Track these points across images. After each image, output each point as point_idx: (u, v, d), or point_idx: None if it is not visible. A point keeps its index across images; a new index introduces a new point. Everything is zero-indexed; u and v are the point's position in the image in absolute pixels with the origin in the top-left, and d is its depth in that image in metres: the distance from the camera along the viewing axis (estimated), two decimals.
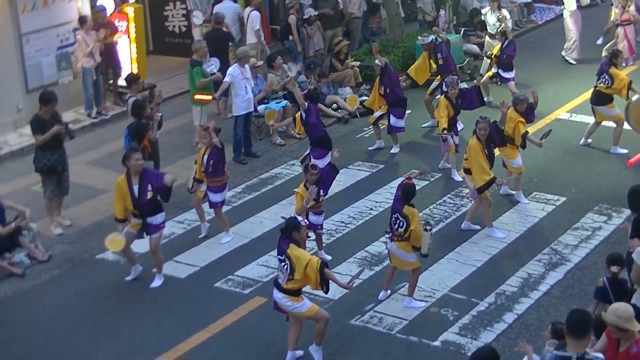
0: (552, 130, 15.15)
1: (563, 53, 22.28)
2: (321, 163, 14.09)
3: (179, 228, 14.39)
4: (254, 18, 19.85)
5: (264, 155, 17.11)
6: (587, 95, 17.67)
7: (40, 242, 13.66)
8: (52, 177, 14.05)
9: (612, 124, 16.71)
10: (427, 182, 15.54)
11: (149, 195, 12.33)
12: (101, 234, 14.04)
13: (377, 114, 17.08)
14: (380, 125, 17.23)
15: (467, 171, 13.82)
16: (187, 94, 18.03)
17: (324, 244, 13.31)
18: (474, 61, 21.42)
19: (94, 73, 18.30)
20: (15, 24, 17.63)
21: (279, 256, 10.49)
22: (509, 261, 13.12)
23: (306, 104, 14.93)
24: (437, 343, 11.18)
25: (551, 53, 22.73)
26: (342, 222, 14.40)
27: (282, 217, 11.05)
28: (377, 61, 17.00)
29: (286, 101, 17.90)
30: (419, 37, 19.51)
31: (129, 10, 19.36)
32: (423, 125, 18.27)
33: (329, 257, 12.99)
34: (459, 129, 16.21)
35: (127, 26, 19.32)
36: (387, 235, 11.87)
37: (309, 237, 12.12)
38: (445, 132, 15.36)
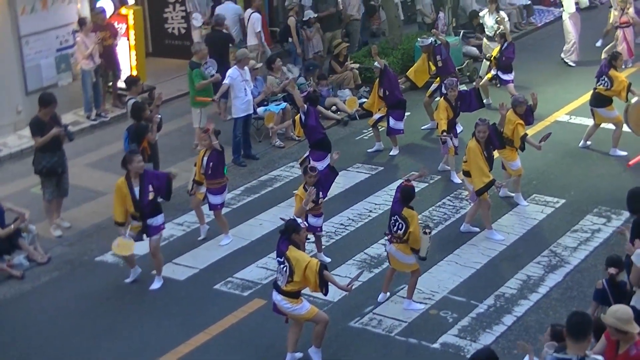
0: (552, 133, 15.17)
1: (562, 55, 22.29)
2: (320, 165, 14.08)
3: (178, 230, 14.39)
4: (255, 20, 19.87)
5: (263, 158, 17.11)
6: (586, 97, 17.68)
7: (40, 244, 13.66)
8: (51, 179, 14.05)
9: (611, 126, 16.72)
10: (427, 184, 15.54)
11: (151, 196, 12.35)
12: (100, 236, 14.09)
13: (376, 116, 17.09)
14: (379, 127, 17.23)
15: (467, 173, 13.82)
16: (187, 96, 18.05)
17: (323, 246, 13.31)
18: (473, 63, 21.44)
19: (93, 75, 18.31)
20: (15, 25, 17.64)
21: (278, 258, 10.49)
22: (508, 263, 13.12)
23: (305, 106, 14.94)
24: (436, 345, 11.18)
25: (550, 55, 22.74)
26: (342, 224, 14.41)
27: (282, 219, 11.04)
28: (376, 63, 17.00)
29: (285, 103, 17.90)
30: (418, 39, 19.52)
31: (129, 13, 19.35)
32: (422, 128, 18.28)
33: (328, 259, 13.00)
34: (458, 131, 16.22)
35: (127, 28, 19.32)
36: (386, 238, 11.87)
37: (309, 239, 12.12)
38: (445, 134, 15.37)
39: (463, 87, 17.84)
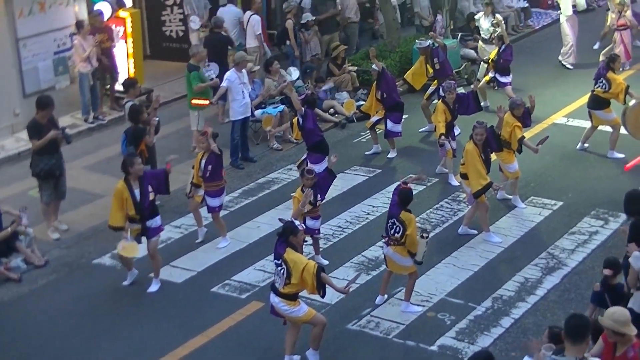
0: (549, 136, 15.18)
1: (560, 58, 22.31)
2: (318, 168, 14.08)
3: (176, 233, 14.38)
4: (254, 22, 19.88)
5: (261, 160, 17.11)
6: (584, 100, 17.70)
7: (37, 247, 13.64)
8: (49, 182, 14.04)
9: (608, 129, 16.73)
10: (424, 186, 15.54)
11: (151, 197, 12.42)
12: (98, 238, 14.09)
13: (374, 118, 17.09)
14: (377, 129, 17.23)
15: (464, 176, 13.82)
16: (185, 99, 18.03)
17: (321, 249, 13.31)
18: (471, 66, 21.45)
19: (91, 78, 18.29)
20: (12, 28, 17.64)
21: (276, 260, 10.48)
22: (506, 265, 13.12)
23: (303, 109, 14.94)
24: (434, 347, 11.18)
25: (548, 58, 22.76)
26: (339, 226, 14.40)
27: (280, 220, 11.04)
28: (374, 66, 17.01)
29: (283, 106, 17.90)
30: (416, 41, 19.54)
31: (126, 15, 19.35)
32: (420, 130, 18.28)
33: (326, 262, 12.99)
34: (456, 134, 16.22)
35: (124, 31, 19.31)
36: (383, 240, 11.87)
37: (306, 241, 12.12)
38: (443, 137, 15.36)
39: (461, 90, 17.84)
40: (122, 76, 18.86)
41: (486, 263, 13.15)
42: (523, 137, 14.60)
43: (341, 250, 13.63)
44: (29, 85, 18.07)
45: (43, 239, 14.02)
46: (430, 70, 18.44)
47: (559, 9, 22.66)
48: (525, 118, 14.88)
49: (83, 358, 11.29)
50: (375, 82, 17.04)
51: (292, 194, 13.11)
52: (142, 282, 12.85)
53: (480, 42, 21.29)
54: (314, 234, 12.93)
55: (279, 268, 10.39)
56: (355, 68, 20.19)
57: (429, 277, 12.71)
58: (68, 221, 14.62)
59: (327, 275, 10.51)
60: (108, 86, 19.38)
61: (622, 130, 16.32)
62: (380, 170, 16.53)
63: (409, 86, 19.40)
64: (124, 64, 19.39)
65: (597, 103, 16.60)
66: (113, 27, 19.17)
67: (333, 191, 14.47)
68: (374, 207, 15.00)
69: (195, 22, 20.43)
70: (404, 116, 17.28)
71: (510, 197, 14.93)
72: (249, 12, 20.10)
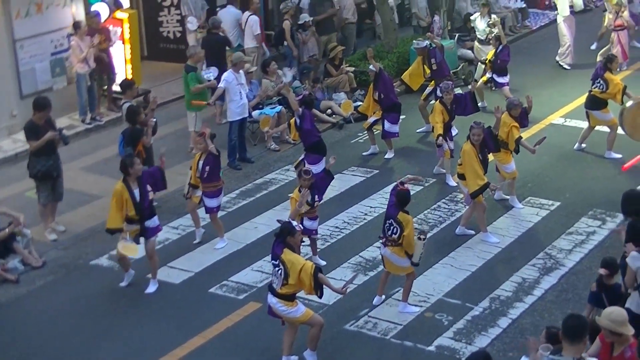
0: (547, 136, 15.20)
1: (557, 58, 22.33)
2: (316, 168, 14.07)
3: (173, 234, 14.37)
4: (252, 22, 19.88)
5: (258, 161, 17.11)
6: (581, 100, 17.71)
7: (35, 248, 13.63)
8: (46, 183, 14.03)
9: (606, 129, 16.74)
10: (422, 187, 15.55)
11: (150, 196, 12.46)
12: (95, 239, 14.08)
13: (371, 119, 17.09)
14: (374, 130, 17.22)
15: (461, 176, 13.83)
16: (182, 100, 18.04)
17: (318, 249, 13.31)
18: (468, 66, 21.46)
19: (88, 79, 18.29)
20: (9, 29, 17.63)
21: (273, 261, 10.48)
22: (503, 266, 13.13)
23: (300, 109, 14.94)
24: (431, 348, 11.18)
25: (545, 58, 22.77)
26: (337, 227, 14.40)
27: (278, 221, 11.04)
28: (371, 66, 17.01)
29: (281, 107, 17.89)
30: (413, 42, 19.54)
31: (124, 16, 19.35)
32: (417, 131, 18.28)
33: (323, 263, 13.00)
34: (453, 134, 16.23)
35: (122, 32, 19.31)
36: (380, 241, 11.87)
37: (303, 242, 12.12)
38: (441, 138, 15.36)
39: (458, 91, 17.84)
40: (120, 77, 18.87)
41: (484, 263, 13.16)
42: (520, 137, 14.60)
43: (339, 251, 13.63)
44: (26, 86, 18.05)
45: (40, 240, 14.02)
46: (428, 71, 18.44)
47: (556, 9, 22.67)
48: (523, 118, 14.88)
49: (82, 359, 11.29)
50: (372, 82, 17.04)
51: (289, 195, 13.11)
52: (140, 283, 12.85)
53: (476, 43, 21.29)
54: (311, 235, 12.93)
55: (277, 269, 10.39)
56: (353, 69, 20.19)
57: (426, 277, 12.72)
58: (65, 222, 14.62)
59: (325, 276, 10.52)
60: (105, 87, 19.38)
61: (620, 131, 16.32)
62: (377, 171, 16.53)
63: (407, 87, 19.42)
64: (122, 65, 19.39)
65: (595, 103, 16.61)
66: (110, 28, 19.17)
67: (330, 192, 14.47)
68: (371, 207, 15.00)
69: (192, 23, 20.42)
70: (402, 117, 17.27)
71: (508, 197, 14.94)
72: (247, 13, 20.10)
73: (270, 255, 10.68)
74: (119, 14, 19.38)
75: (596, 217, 14.43)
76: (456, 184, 14.92)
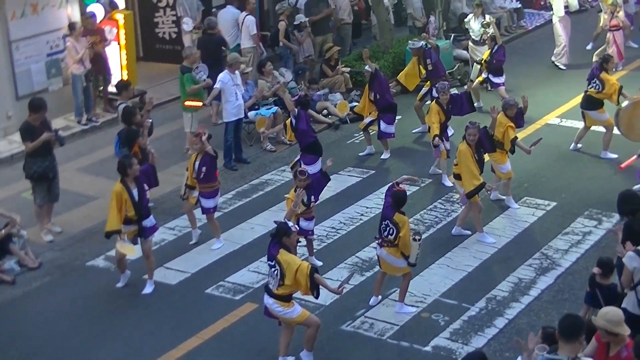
0: (542, 138, 15.20)
1: (553, 58, 22.34)
2: (312, 169, 14.09)
3: (169, 234, 14.37)
4: (249, 22, 19.89)
5: (254, 162, 17.10)
6: (577, 100, 17.72)
7: (31, 249, 13.62)
8: (42, 184, 14.02)
9: (602, 129, 16.75)
10: (418, 187, 15.55)
11: (148, 194, 12.54)
12: (92, 240, 14.07)
13: (367, 119, 17.09)
14: (370, 131, 17.23)
15: (457, 177, 13.84)
16: (178, 101, 18.03)
17: (314, 250, 13.30)
18: (464, 67, 21.46)
19: (83, 80, 18.28)
20: (5, 30, 17.61)
21: (269, 262, 10.48)
22: (499, 266, 13.14)
23: (296, 110, 14.94)
24: (428, 348, 11.19)
25: (541, 58, 22.79)
26: (333, 227, 14.40)
27: (275, 222, 11.03)
28: (367, 67, 17.01)
29: (277, 107, 17.90)
30: (409, 42, 19.55)
31: (119, 17, 19.34)
32: (413, 131, 18.29)
33: (319, 263, 13.00)
34: (449, 135, 16.23)
35: (117, 33, 19.29)
36: (376, 242, 11.87)
37: (299, 242, 12.11)
38: (437, 138, 15.37)
39: (454, 91, 17.85)
40: (115, 78, 18.86)
41: (480, 264, 13.17)
42: (516, 137, 14.61)
43: (335, 252, 13.63)
44: (21, 87, 18.03)
45: (36, 241, 14.00)
46: (423, 72, 18.44)
47: (552, 9, 22.68)
48: (518, 119, 14.89)
49: (79, 359, 11.27)
50: (368, 83, 17.04)
51: (285, 195, 13.11)
52: (136, 283, 12.84)
53: (470, 43, 21.30)
54: (307, 235, 12.93)
55: (273, 269, 10.39)
56: (349, 69, 20.20)
57: (422, 277, 12.72)
58: (61, 223, 14.60)
59: (321, 276, 10.52)
60: (101, 88, 19.37)
61: (615, 131, 16.34)
62: (373, 172, 16.54)
63: (402, 87, 19.39)
64: (117, 66, 19.37)
65: (591, 103, 16.62)
66: (106, 28, 19.14)
67: (327, 192, 14.47)
68: (367, 208, 15.00)
69: (188, 24, 20.43)
70: (397, 117, 17.29)
71: (504, 197, 14.95)
72: (243, 13, 20.11)
73: (266, 256, 10.68)
74: (114, 15, 19.34)
75: (592, 217, 14.45)
76: (452, 184, 14.93)
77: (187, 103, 16.78)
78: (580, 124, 17.20)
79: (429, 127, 15.94)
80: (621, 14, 21.91)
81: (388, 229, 11.56)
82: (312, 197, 12.67)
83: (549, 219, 14.48)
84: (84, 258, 13.74)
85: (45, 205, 14.20)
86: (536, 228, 14.23)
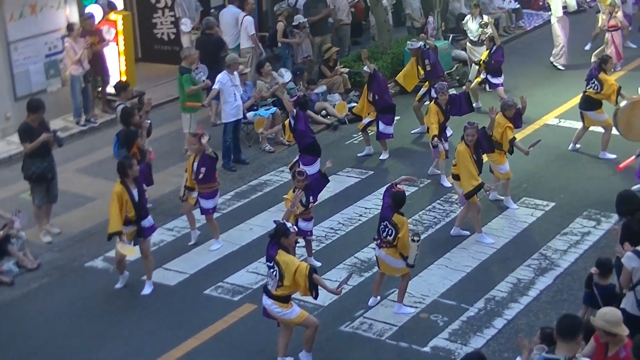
0: (541, 140, 15.20)
1: (551, 59, 22.34)
2: (310, 169, 14.08)
3: (168, 235, 14.36)
4: (247, 23, 19.90)
5: (253, 162, 17.10)
6: (576, 100, 17.72)
7: (29, 250, 13.61)
8: (41, 185, 14.01)
9: (600, 129, 16.76)
10: (417, 188, 15.55)
11: (147, 194, 12.56)
12: (90, 241, 14.07)
13: (365, 120, 17.09)
14: (369, 131, 17.23)
15: (456, 177, 13.84)
16: (177, 101, 18.02)
17: (313, 251, 13.30)
18: (462, 67, 21.47)
19: (82, 80, 18.28)
20: (3, 31, 17.60)
21: (268, 262, 10.48)
22: (498, 266, 13.14)
23: (295, 110, 14.94)
24: (427, 349, 11.19)
25: (539, 59, 22.79)
26: (332, 228, 14.40)
27: (275, 222, 11.02)
28: (365, 68, 17.01)
29: (275, 108, 17.89)
30: (407, 43, 19.55)
31: (118, 18, 19.33)
32: (412, 132, 18.29)
33: (318, 264, 12.99)
34: (448, 135, 16.23)
35: (116, 34, 19.29)
36: (375, 242, 11.87)
37: (298, 242, 12.11)
38: (436, 139, 15.37)
39: (453, 91, 17.85)
40: (114, 79, 18.85)
41: (479, 264, 13.17)
42: (514, 138, 14.61)
43: (334, 252, 13.63)
44: (20, 88, 18.02)
45: (35, 242, 14.00)
46: (422, 72, 18.45)
47: (550, 10, 22.69)
48: (517, 119, 14.89)
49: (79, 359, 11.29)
50: (367, 83, 17.04)
51: (284, 196, 13.10)
52: (135, 284, 12.84)
53: (468, 44, 21.30)
54: (306, 236, 12.92)
55: (272, 270, 10.39)
56: (347, 70, 20.19)
57: (421, 278, 12.72)
58: (60, 224, 14.59)
59: (319, 277, 10.52)
60: (100, 89, 19.36)
61: (614, 131, 16.34)
62: (372, 172, 16.54)
63: (401, 88, 19.41)
64: (116, 67, 19.37)
65: (589, 104, 16.63)
66: (105, 29, 19.14)
67: (325, 193, 14.46)
68: (366, 208, 15.00)
69: (186, 25, 20.43)
70: (396, 118, 17.29)
71: (503, 198, 14.95)
72: (242, 13, 20.12)
73: (265, 257, 10.68)
74: (112, 16, 19.34)
75: (591, 218, 14.45)
76: (451, 185, 14.93)
77: (186, 104, 16.76)
78: (578, 125, 17.21)
79: (428, 128, 15.93)
80: (619, 14, 21.91)
81: (387, 229, 11.56)
82: (311, 197, 12.67)
83: (548, 219, 14.49)
84: (82, 259, 13.74)
85: (43, 206, 14.20)
86: (535, 228, 14.23)
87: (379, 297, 12.20)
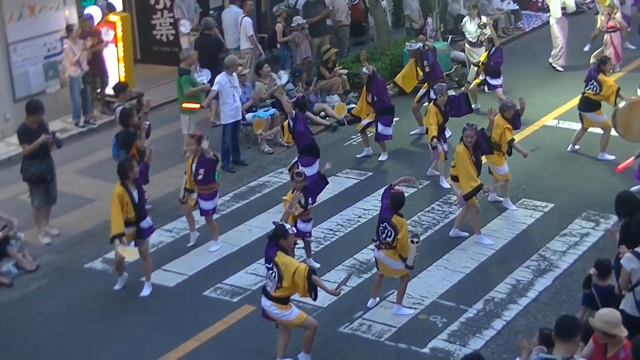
0: (540, 137, 15.20)
1: (550, 60, 22.36)
2: (309, 171, 14.09)
3: (167, 237, 14.36)
4: (246, 24, 19.91)
5: (252, 164, 17.10)
6: (575, 102, 17.72)
7: (28, 251, 13.60)
8: (40, 186, 14.00)
9: (599, 131, 16.76)
10: (416, 189, 15.55)
11: (146, 195, 12.55)
12: (89, 243, 14.07)
13: (364, 121, 17.09)
14: (368, 133, 17.23)
15: (455, 178, 13.84)
16: (175, 103, 18.02)
17: (312, 252, 13.30)
18: (461, 68, 21.47)
19: (81, 82, 18.28)
20: (2, 33, 17.61)
21: (267, 264, 10.48)
22: (497, 268, 13.14)
23: (294, 112, 14.94)
24: (425, 350, 11.19)
25: (538, 60, 22.80)
26: (331, 229, 14.40)
27: (274, 224, 11.02)
28: (364, 69, 17.02)
29: (274, 109, 17.89)
30: (406, 44, 19.55)
31: (117, 19, 19.34)
32: (411, 133, 18.29)
33: (317, 265, 12.99)
34: (447, 136, 16.24)
35: (115, 35, 19.30)
36: (374, 244, 11.86)
37: (297, 244, 12.12)
38: (435, 140, 15.37)
39: (451, 92, 17.85)
40: (113, 80, 18.85)
41: (477, 265, 13.17)
42: (513, 139, 14.62)
43: (333, 254, 13.63)
44: (19, 89, 18.02)
45: (34, 244, 13.99)
46: (421, 73, 18.45)
47: (549, 11, 22.70)
48: (516, 120, 14.90)
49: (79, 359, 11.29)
50: (365, 85, 17.05)
51: (283, 197, 13.11)
52: (134, 286, 12.84)
53: (466, 45, 21.30)
54: (305, 237, 12.93)
55: (271, 271, 10.39)
56: (346, 71, 20.19)
57: (420, 279, 12.72)
58: (59, 226, 14.59)
59: (318, 278, 10.52)
60: (99, 90, 19.37)
61: (613, 132, 16.35)
62: (371, 173, 16.54)
63: (400, 89, 19.40)
64: (115, 68, 19.37)
65: (588, 105, 16.63)
66: (103, 30, 19.14)
67: (324, 194, 14.45)
68: (365, 210, 15.00)
69: (185, 26, 20.43)
70: (395, 119, 17.28)
71: (502, 199, 14.95)
72: (241, 14, 20.13)
73: (264, 258, 10.68)
74: (112, 17, 19.35)
75: (590, 219, 14.45)
76: (450, 186, 14.93)
77: (185, 105, 16.77)
78: (577, 126, 17.22)
79: (427, 129, 15.93)
80: (618, 15, 21.93)
81: (386, 231, 11.56)
82: (310, 199, 12.67)
83: (547, 220, 14.49)
84: (81, 260, 13.73)
85: (42, 207, 14.19)
86: (534, 230, 14.24)
87: (378, 299, 12.20)
